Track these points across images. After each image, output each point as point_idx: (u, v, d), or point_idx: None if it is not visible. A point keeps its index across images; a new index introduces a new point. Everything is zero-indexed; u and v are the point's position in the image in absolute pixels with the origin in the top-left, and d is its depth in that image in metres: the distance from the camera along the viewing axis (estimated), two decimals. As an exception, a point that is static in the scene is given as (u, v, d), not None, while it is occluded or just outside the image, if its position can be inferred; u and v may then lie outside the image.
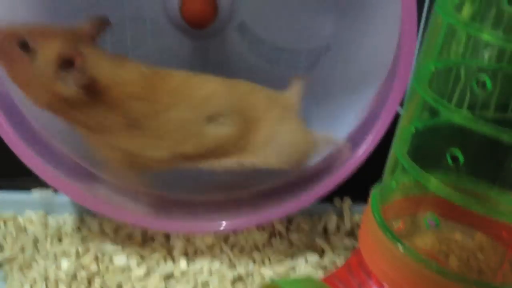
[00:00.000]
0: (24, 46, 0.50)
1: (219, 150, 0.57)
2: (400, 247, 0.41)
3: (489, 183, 0.41)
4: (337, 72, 0.69)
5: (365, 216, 0.46)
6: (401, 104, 0.57)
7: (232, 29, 0.70)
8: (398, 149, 0.42)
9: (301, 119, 0.60)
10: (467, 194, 0.38)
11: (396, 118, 0.58)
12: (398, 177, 0.44)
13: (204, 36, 0.69)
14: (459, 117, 0.35)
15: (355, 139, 0.62)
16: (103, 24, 0.54)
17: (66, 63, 0.49)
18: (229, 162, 0.58)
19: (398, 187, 0.45)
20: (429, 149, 0.42)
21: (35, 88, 0.51)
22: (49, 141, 0.62)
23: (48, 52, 0.49)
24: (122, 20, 0.68)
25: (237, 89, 0.58)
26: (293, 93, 0.61)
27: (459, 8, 0.35)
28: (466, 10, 0.34)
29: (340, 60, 0.69)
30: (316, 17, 0.70)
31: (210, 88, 0.56)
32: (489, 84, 0.34)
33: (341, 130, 0.64)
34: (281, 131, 0.58)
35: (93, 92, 0.51)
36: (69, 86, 0.50)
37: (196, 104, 0.55)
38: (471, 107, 0.36)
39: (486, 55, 0.34)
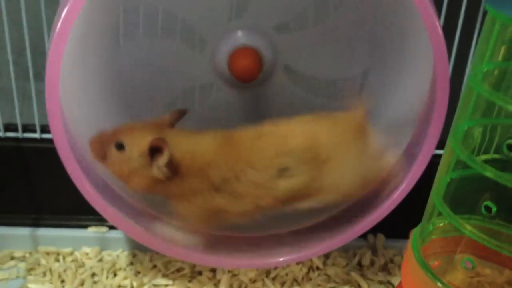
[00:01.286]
0: (120, 146, 0.59)
1: (296, 196, 0.62)
2: (440, 285, 0.46)
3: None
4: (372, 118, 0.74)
5: (406, 255, 0.51)
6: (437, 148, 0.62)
7: (276, 75, 0.76)
8: (436, 197, 0.47)
9: (371, 137, 0.62)
10: (501, 237, 0.43)
11: (431, 161, 0.63)
12: (434, 221, 0.49)
13: (251, 86, 0.75)
14: (491, 173, 0.40)
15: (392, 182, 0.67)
16: (181, 113, 0.64)
17: (155, 151, 0.59)
18: (310, 203, 0.63)
19: (434, 229, 0.50)
20: (464, 195, 0.46)
21: (134, 177, 0.60)
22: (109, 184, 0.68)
23: (139, 146, 0.59)
24: (175, 87, 0.75)
25: (302, 135, 0.61)
26: (358, 111, 0.62)
27: (487, 79, 0.41)
28: (494, 83, 0.40)
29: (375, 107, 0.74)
30: (350, 57, 0.75)
31: (276, 146, 0.61)
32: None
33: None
34: (351, 166, 0.61)
35: (179, 168, 0.60)
36: (160, 169, 0.59)
37: (266, 163, 0.60)
38: (502, 163, 0.41)
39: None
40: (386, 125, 0.72)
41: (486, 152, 0.47)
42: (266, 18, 0.73)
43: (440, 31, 0.57)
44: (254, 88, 0.76)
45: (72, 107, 0.64)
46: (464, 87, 0.44)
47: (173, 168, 0.59)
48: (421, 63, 0.65)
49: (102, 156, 0.60)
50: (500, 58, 0.41)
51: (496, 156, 0.47)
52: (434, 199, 0.47)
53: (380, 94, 0.74)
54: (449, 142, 0.45)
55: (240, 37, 0.73)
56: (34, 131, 0.75)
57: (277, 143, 0.61)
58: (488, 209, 0.43)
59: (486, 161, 0.44)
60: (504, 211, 0.43)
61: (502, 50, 0.41)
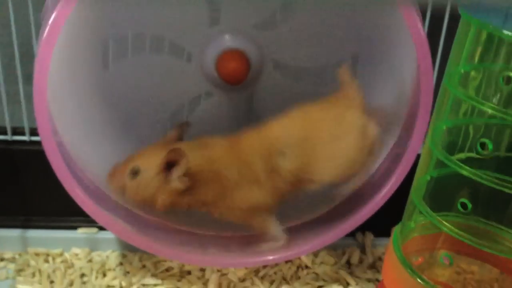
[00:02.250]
0: (135, 172, 0.60)
1: (299, 177, 0.63)
2: (419, 281, 0.46)
3: (497, 222, 0.47)
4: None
5: (388, 252, 0.52)
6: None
7: (266, 73, 0.76)
8: (416, 195, 0.48)
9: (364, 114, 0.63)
10: (479, 233, 0.44)
11: (417, 161, 0.64)
12: (416, 218, 0.50)
13: (243, 87, 0.76)
14: (466, 171, 0.40)
15: (379, 180, 0.68)
16: (185, 126, 0.66)
17: (170, 166, 0.59)
18: (314, 185, 0.64)
19: (416, 226, 0.51)
20: (443, 193, 0.47)
21: (157, 197, 0.60)
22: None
23: (154, 164, 0.60)
24: (167, 98, 0.77)
25: (297, 125, 0.63)
26: (352, 89, 0.63)
27: (464, 81, 0.42)
28: (471, 85, 0.41)
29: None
30: (336, 43, 0.76)
31: (273, 135, 0.63)
32: (490, 146, 0.40)
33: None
34: (341, 147, 0.62)
35: (195, 177, 0.60)
36: (180, 180, 0.60)
37: (269, 151, 0.62)
38: (478, 161, 0.42)
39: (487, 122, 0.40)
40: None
41: (461, 150, 0.48)
42: (244, 18, 0.73)
43: (422, 32, 0.57)
44: (246, 89, 0.76)
45: (61, 110, 0.65)
46: (440, 89, 0.45)
47: (191, 176, 0.60)
48: (406, 60, 0.66)
49: (123, 189, 0.61)
50: (476, 60, 0.42)
51: (472, 154, 0.47)
52: (414, 198, 0.48)
53: (368, 88, 0.75)
54: (427, 143, 0.46)
55: (224, 41, 0.74)
56: (23, 133, 0.75)
57: (274, 133, 0.63)
58: (464, 206, 0.43)
59: (462, 160, 0.45)
60: (479, 207, 0.44)
61: (478, 52, 0.42)
